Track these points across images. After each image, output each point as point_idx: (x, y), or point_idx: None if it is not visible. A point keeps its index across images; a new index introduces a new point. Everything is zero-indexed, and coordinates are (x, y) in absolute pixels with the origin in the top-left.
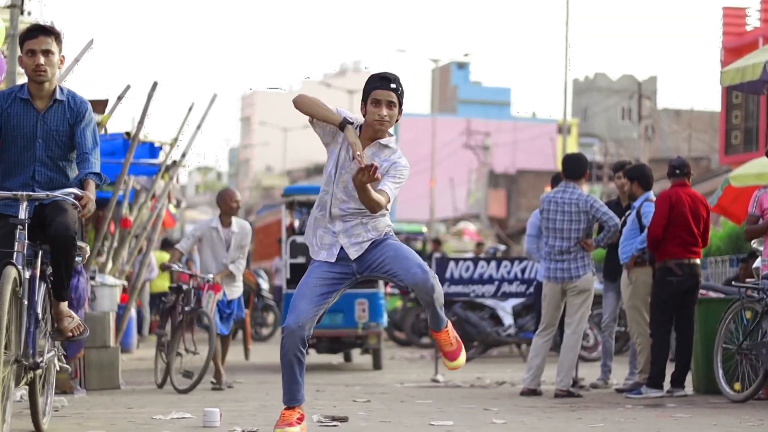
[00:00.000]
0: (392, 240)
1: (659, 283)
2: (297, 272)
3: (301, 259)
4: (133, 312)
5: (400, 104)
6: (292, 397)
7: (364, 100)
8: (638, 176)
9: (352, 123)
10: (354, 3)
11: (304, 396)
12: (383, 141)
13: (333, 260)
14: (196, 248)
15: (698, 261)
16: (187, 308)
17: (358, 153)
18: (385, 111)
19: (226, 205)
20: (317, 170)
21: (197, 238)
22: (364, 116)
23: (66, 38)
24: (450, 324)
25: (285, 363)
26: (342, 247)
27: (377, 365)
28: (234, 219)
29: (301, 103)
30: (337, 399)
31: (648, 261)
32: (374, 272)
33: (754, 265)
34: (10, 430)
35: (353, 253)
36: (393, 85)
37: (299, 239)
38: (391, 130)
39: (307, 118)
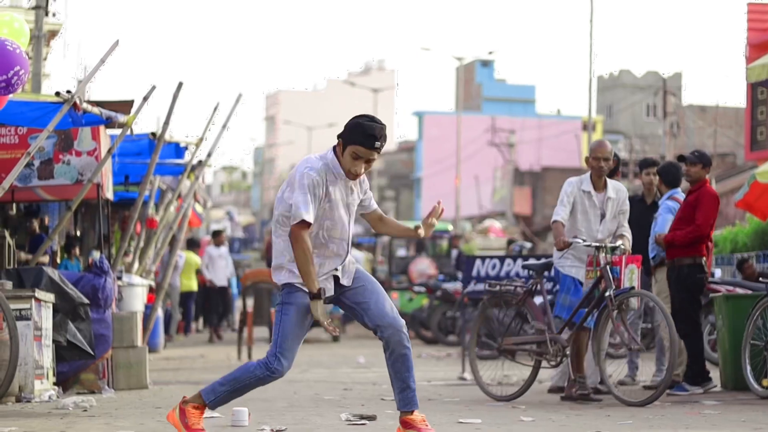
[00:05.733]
0: (362, 268)
1: (692, 280)
2: None
3: None
4: (159, 312)
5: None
6: (221, 404)
7: (345, 143)
8: (663, 173)
9: (320, 297)
10: (378, 1)
11: None
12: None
13: (332, 292)
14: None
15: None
16: (608, 292)
17: (327, 324)
18: (362, 168)
19: (592, 160)
20: None
21: (572, 205)
22: (337, 148)
23: (92, 40)
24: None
25: (248, 388)
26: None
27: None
28: (609, 182)
29: (296, 252)
30: (364, 398)
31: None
32: (340, 298)
33: None
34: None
35: (346, 281)
36: (377, 144)
37: None
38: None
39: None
